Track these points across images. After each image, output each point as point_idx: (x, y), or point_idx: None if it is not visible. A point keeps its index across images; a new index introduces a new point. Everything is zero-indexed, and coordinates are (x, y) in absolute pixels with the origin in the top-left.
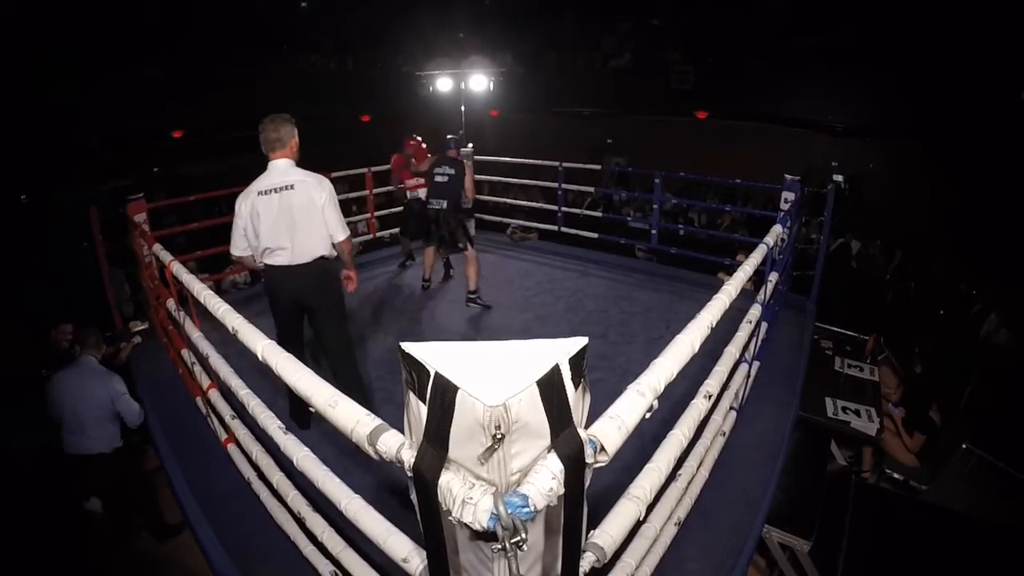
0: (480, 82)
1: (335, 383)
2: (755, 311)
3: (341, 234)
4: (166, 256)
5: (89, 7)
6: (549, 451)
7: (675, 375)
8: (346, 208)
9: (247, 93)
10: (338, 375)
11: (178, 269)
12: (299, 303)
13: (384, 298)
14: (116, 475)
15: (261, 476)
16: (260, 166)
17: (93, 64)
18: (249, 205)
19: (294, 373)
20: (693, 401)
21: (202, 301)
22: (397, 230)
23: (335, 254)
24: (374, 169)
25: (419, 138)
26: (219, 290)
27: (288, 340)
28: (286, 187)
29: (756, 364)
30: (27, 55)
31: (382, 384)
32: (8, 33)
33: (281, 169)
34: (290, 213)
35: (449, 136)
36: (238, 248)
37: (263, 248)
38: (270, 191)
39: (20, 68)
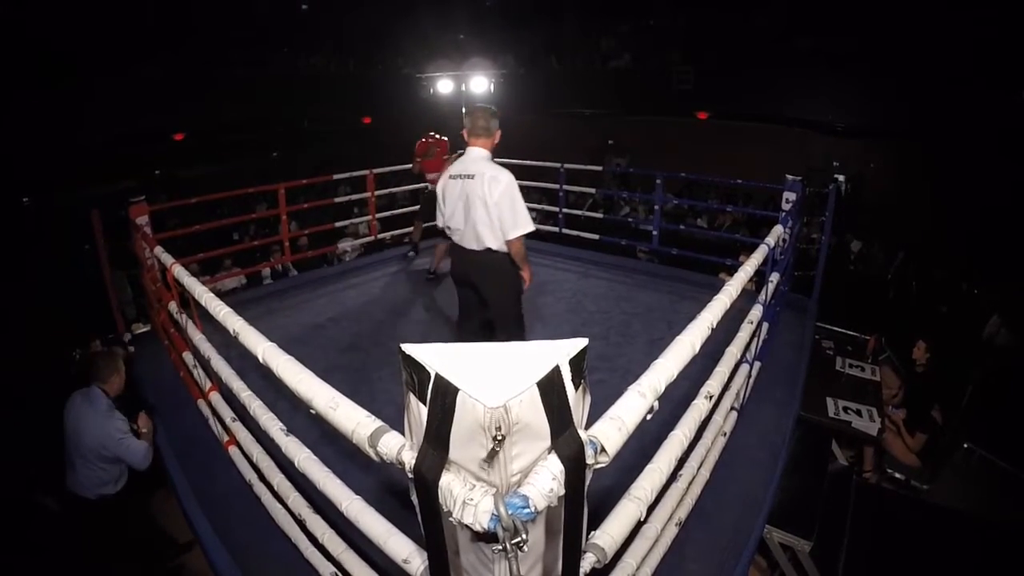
0: (481, 83)
1: None
2: (756, 311)
3: (512, 232)
4: (167, 259)
5: (89, 7)
6: (549, 452)
7: (676, 376)
8: (347, 210)
9: (248, 94)
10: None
11: (179, 272)
12: (470, 283)
13: (386, 300)
14: (97, 525)
15: (262, 478)
16: (261, 167)
17: (93, 65)
18: (441, 185)
19: (295, 375)
20: (694, 402)
21: (204, 304)
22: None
23: (504, 248)
24: (376, 171)
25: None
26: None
27: (464, 312)
28: (469, 176)
29: (757, 364)
30: (27, 55)
31: (383, 385)
32: (8, 33)
33: (472, 157)
34: (467, 200)
35: None
36: (438, 220)
37: (445, 226)
38: (457, 176)
39: (20, 68)
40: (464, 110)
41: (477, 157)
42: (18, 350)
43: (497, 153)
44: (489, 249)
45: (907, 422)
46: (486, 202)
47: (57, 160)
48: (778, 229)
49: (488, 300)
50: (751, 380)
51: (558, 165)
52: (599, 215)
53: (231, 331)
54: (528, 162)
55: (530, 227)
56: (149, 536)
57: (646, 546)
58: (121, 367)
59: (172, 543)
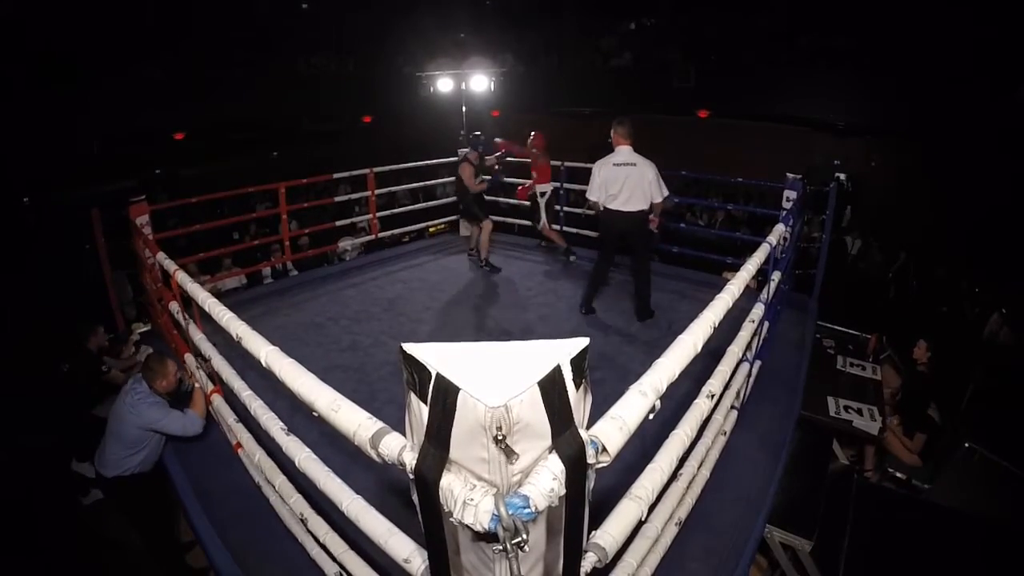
0: (481, 82)
1: (636, 280)
2: (758, 310)
3: (659, 197)
4: (171, 265)
5: (89, 7)
6: (550, 452)
7: (677, 375)
8: (348, 209)
9: (248, 94)
10: (638, 276)
11: (183, 278)
12: (623, 235)
13: (386, 299)
14: (116, 502)
15: (265, 478)
16: (261, 166)
17: (94, 65)
18: (606, 171)
19: (297, 378)
20: (696, 401)
21: (206, 309)
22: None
23: (647, 208)
24: (376, 170)
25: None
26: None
27: (607, 259)
28: (632, 164)
29: (758, 363)
30: (28, 55)
31: (384, 385)
32: (9, 33)
33: (626, 152)
34: (631, 180)
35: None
36: (593, 195)
37: (608, 196)
38: (621, 164)
39: (21, 68)
40: (617, 119)
41: (631, 152)
42: (18, 349)
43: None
44: (642, 210)
45: (904, 424)
46: (646, 178)
47: (57, 160)
48: (780, 228)
49: (634, 241)
50: (751, 379)
51: (559, 163)
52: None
53: (234, 336)
54: (529, 161)
55: (667, 192)
56: (155, 524)
57: (647, 546)
58: (169, 371)
59: (175, 537)
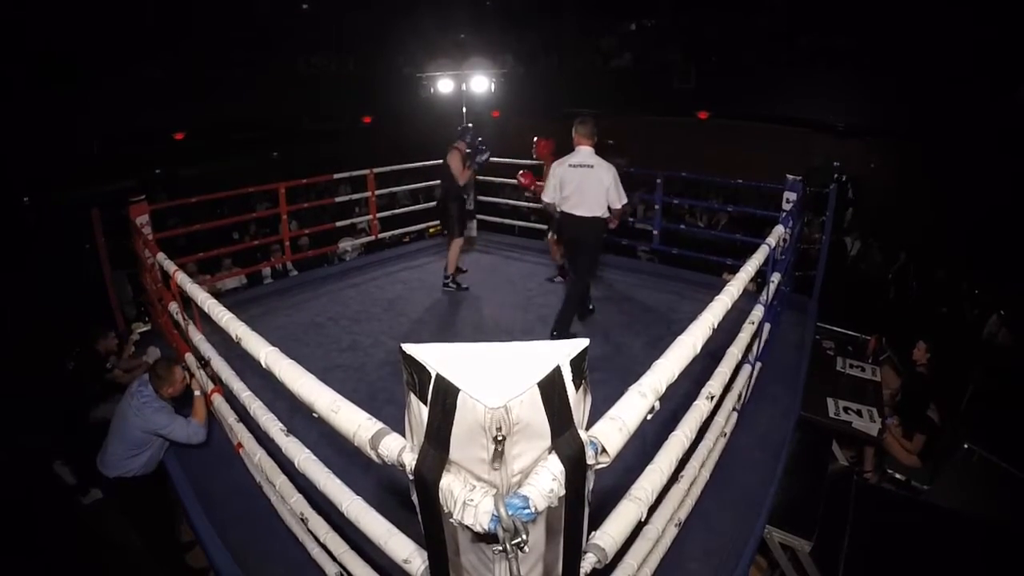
0: (481, 83)
1: (570, 291)
2: (758, 312)
3: (618, 203)
4: (170, 266)
5: (89, 7)
6: (550, 452)
7: (676, 376)
8: (348, 209)
9: (248, 94)
10: (573, 287)
11: (183, 279)
12: (575, 239)
13: (386, 300)
14: (116, 502)
15: (265, 478)
16: (261, 167)
17: (94, 65)
18: (561, 172)
19: (296, 379)
20: (695, 402)
21: (206, 310)
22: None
23: (607, 215)
24: (376, 170)
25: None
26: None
27: (571, 259)
28: (588, 166)
29: (758, 365)
30: (28, 55)
31: (384, 385)
32: (9, 33)
33: (585, 153)
34: (586, 183)
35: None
36: (548, 196)
37: (562, 198)
38: (577, 166)
39: (21, 68)
40: (579, 118)
41: (589, 153)
42: (18, 349)
43: (497, 153)
44: (594, 216)
45: (903, 425)
46: (602, 183)
47: (57, 159)
48: (779, 229)
49: (583, 248)
50: (752, 380)
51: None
52: None
53: (233, 337)
54: (528, 161)
55: (626, 199)
56: (156, 524)
57: (647, 546)
58: (176, 378)
59: (175, 538)
